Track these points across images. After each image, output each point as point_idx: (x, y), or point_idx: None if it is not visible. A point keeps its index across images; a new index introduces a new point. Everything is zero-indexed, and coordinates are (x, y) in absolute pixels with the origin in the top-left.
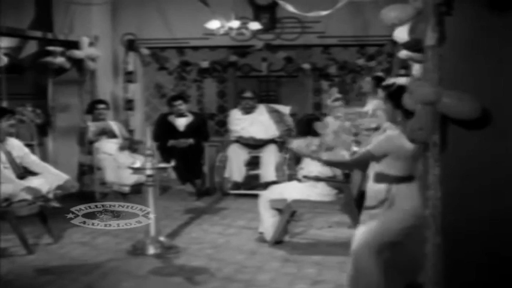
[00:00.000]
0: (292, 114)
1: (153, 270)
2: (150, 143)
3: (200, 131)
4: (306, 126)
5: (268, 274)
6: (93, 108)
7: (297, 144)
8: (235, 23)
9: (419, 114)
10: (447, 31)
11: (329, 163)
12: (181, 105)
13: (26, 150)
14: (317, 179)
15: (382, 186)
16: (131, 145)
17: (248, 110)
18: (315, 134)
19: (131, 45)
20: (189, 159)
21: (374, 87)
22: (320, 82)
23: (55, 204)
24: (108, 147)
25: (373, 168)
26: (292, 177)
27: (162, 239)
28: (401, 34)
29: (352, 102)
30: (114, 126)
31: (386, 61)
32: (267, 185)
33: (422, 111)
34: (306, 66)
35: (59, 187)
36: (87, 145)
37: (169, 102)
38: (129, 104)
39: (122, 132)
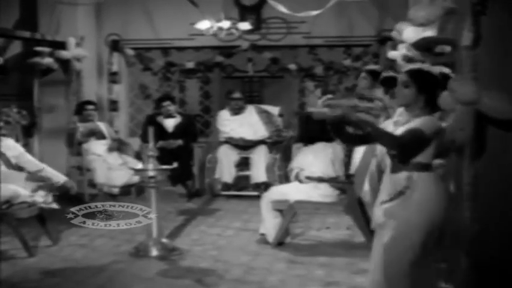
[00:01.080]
0: (280, 115)
1: (160, 272)
2: (152, 144)
3: (189, 132)
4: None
5: (277, 276)
6: (81, 109)
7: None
8: (225, 23)
9: (459, 114)
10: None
11: (377, 134)
12: (169, 106)
13: (22, 149)
14: (320, 179)
15: (402, 175)
16: (120, 146)
17: (237, 111)
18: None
19: (116, 46)
20: (179, 161)
21: (371, 82)
22: (305, 83)
23: (54, 205)
24: (97, 148)
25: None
26: (282, 178)
27: (164, 240)
28: (411, 34)
29: None
30: (103, 127)
31: (373, 61)
32: (257, 186)
33: (463, 111)
34: (292, 66)
35: (57, 188)
36: (76, 146)
37: (157, 103)
38: (113, 105)
39: (110, 133)
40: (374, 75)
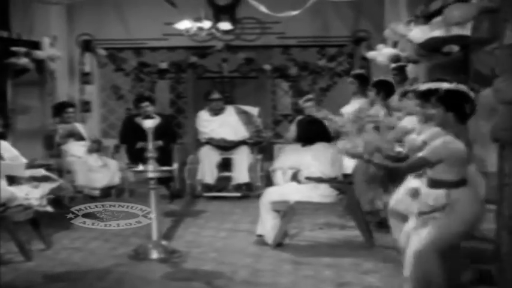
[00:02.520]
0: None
1: (167, 275)
2: (151, 145)
3: (168, 133)
4: (306, 129)
5: (287, 277)
6: (61, 110)
7: (343, 146)
8: (206, 24)
9: (503, 114)
10: None
11: (381, 167)
12: (148, 107)
13: (16, 152)
14: (320, 180)
15: (441, 192)
16: (99, 147)
17: (217, 112)
18: (316, 137)
19: (87, 46)
20: (160, 162)
21: (359, 86)
22: (276, 83)
23: (48, 208)
24: (76, 149)
25: (427, 174)
26: (264, 179)
27: (164, 243)
28: (419, 34)
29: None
30: (81, 128)
31: (347, 62)
32: (238, 187)
33: (507, 110)
34: (267, 67)
35: (52, 191)
36: (55, 148)
37: (135, 103)
38: (85, 106)
39: (89, 135)
40: (361, 79)
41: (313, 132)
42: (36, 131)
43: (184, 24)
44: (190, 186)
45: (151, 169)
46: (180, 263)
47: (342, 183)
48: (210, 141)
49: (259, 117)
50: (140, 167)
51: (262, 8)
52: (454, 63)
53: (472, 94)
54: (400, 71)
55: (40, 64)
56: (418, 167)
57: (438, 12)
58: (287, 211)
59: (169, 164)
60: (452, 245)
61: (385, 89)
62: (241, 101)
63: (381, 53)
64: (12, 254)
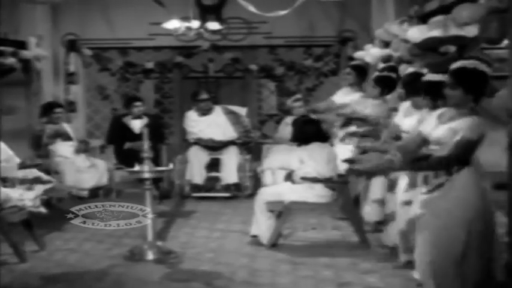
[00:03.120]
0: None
1: (165, 276)
2: (147, 145)
3: (156, 133)
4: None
5: (285, 277)
6: (49, 111)
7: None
8: (195, 23)
9: None
10: None
11: (425, 168)
12: (141, 107)
13: (11, 152)
14: (315, 180)
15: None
16: (87, 148)
17: (205, 112)
18: (311, 136)
19: (73, 46)
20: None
21: (356, 78)
22: (262, 83)
23: (42, 210)
24: (64, 150)
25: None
26: (253, 179)
27: (160, 244)
28: (416, 34)
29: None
30: (68, 128)
31: (333, 62)
32: (227, 187)
33: None
34: (253, 67)
35: (45, 192)
36: (43, 148)
37: (126, 103)
38: (70, 106)
39: (76, 135)
40: (359, 70)
41: (309, 132)
42: (22, 131)
43: (173, 24)
44: (179, 186)
45: (146, 169)
46: (177, 264)
47: (337, 183)
48: (199, 142)
49: (247, 118)
50: (136, 167)
51: (252, 8)
52: (448, 63)
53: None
54: (390, 71)
55: (26, 64)
56: (464, 151)
57: (434, 12)
58: (282, 211)
59: (159, 164)
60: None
61: (389, 86)
62: (226, 101)
63: (369, 53)
64: (6, 256)
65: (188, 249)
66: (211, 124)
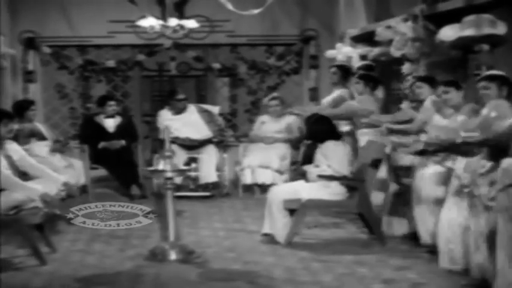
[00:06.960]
0: (220, 114)
1: (201, 276)
2: (168, 144)
3: (130, 132)
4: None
5: (326, 276)
6: (23, 110)
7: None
8: (172, 21)
9: None
10: None
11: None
12: (115, 106)
13: (23, 153)
14: (332, 178)
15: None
16: (62, 147)
17: (179, 110)
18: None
19: (31, 43)
20: (124, 162)
21: (341, 77)
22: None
23: (56, 211)
24: (39, 150)
25: None
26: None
27: (181, 243)
28: (448, 33)
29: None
30: (41, 127)
31: (295, 60)
32: (206, 187)
33: None
34: (216, 65)
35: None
36: None
37: (100, 102)
38: None
39: (50, 134)
40: (343, 70)
41: (323, 131)
42: None
43: (148, 22)
44: (158, 186)
45: (169, 169)
46: (204, 264)
47: (354, 181)
48: (175, 141)
49: (220, 116)
50: (160, 167)
51: (229, 6)
52: (453, 62)
53: None
54: (367, 70)
55: None
56: None
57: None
58: (300, 209)
59: (134, 164)
60: None
61: (373, 81)
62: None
63: (341, 52)
64: (21, 258)
65: (204, 249)
66: (186, 123)
